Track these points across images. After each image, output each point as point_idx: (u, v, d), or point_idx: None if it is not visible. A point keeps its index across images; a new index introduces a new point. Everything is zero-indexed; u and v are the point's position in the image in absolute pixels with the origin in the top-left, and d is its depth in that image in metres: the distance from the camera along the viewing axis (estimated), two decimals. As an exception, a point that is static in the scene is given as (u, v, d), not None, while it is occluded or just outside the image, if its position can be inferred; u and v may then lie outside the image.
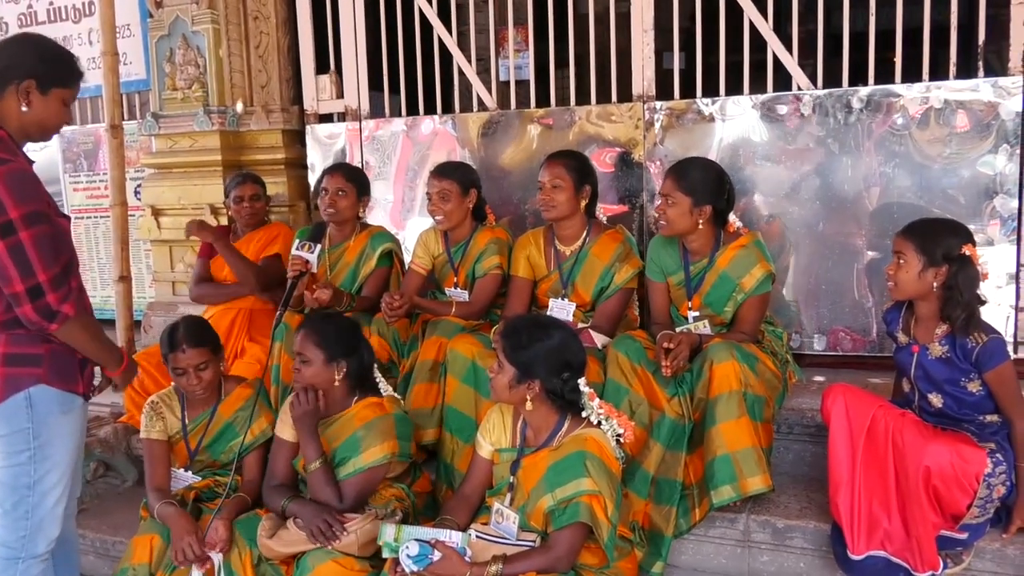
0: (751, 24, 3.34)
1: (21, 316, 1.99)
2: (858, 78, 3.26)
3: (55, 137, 4.86)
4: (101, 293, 4.84)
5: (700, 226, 2.80)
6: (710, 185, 2.80)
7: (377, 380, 2.68)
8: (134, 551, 2.50)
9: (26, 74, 2.04)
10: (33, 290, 1.95)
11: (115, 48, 3.75)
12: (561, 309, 3.04)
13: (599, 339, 2.90)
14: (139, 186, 4.53)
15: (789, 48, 3.31)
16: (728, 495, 2.50)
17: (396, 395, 2.72)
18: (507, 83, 3.94)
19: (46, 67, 2.08)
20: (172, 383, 2.84)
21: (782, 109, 3.31)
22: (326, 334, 2.51)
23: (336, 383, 2.52)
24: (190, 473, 2.77)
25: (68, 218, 2.19)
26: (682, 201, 2.77)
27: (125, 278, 3.83)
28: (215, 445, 2.78)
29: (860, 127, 3.20)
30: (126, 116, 4.59)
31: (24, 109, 2.05)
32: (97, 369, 2.29)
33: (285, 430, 2.63)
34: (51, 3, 4.93)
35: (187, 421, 2.79)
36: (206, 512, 2.62)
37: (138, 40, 4.61)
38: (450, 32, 3.89)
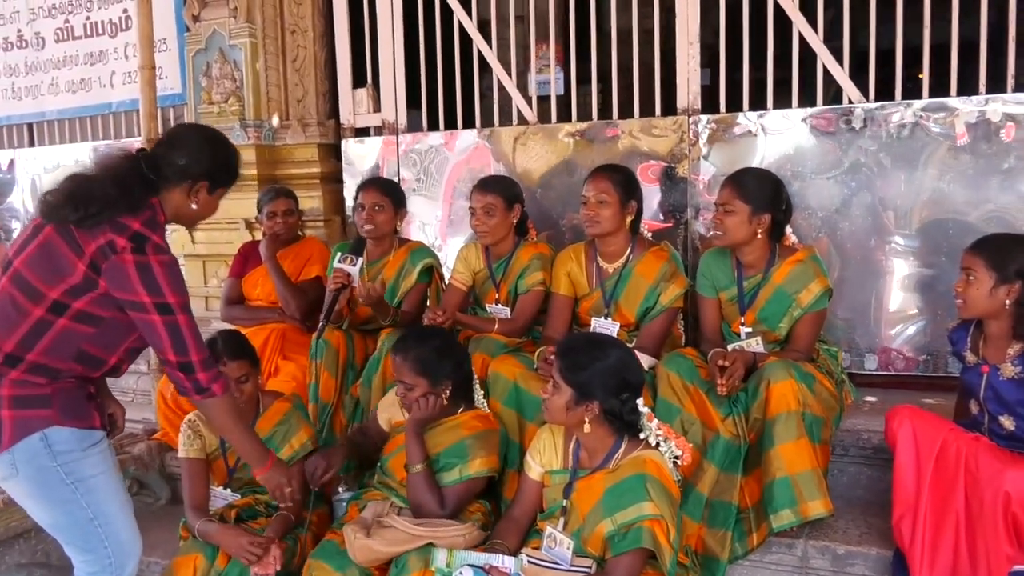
0: (800, 37, 3.28)
1: (172, 379, 2.06)
2: (911, 91, 3.19)
3: (89, 151, 4.95)
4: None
5: (759, 236, 2.72)
6: (769, 193, 2.73)
7: (477, 395, 2.67)
8: (176, 572, 2.44)
9: (202, 176, 2.10)
10: (185, 365, 2.02)
11: (152, 62, 3.72)
12: (604, 329, 2.95)
13: (645, 360, 2.79)
14: (173, 200, 4.52)
15: (840, 61, 3.24)
16: (788, 519, 2.41)
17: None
18: (546, 97, 3.90)
19: (220, 172, 2.15)
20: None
21: (832, 123, 3.23)
22: (426, 361, 2.48)
23: (444, 402, 2.52)
24: (229, 491, 2.72)
25: None
26: (741, 209, 2.70)
27: (160, 293, 3.79)
28: (254, 462, 2.72)
29: (913, 141, 3.12)
30: (162, 130, 4.58)
31: (193, 207, 2.12)
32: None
33: (382, 416, 2.74)
34: (88, 18, 4.96)
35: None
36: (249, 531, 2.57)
37: (174, 54, 4.61)
38: (489, 45, 3.85)
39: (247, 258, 3.77)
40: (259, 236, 3.98)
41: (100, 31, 4.93)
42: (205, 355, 2.07)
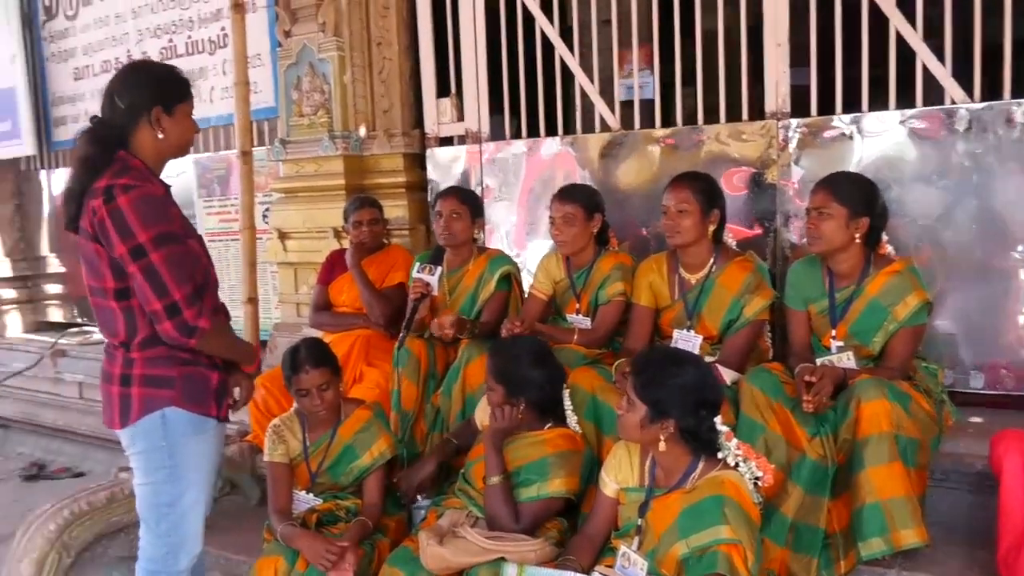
0: (897, 34, 3.10)
1: (161, 333, 2.06)
2: (1022, 90, 2.97)
3: (191, 163, 5.19)
4: (232, 314, 4.98)
5: (856, 240, 2.60)
6: (866, 196, 2.61)
7: (567, 407, 2.63)
8: (259, 573, 2.50)
9: (151, 103, 2.11)
10: (170, 308, 2.03)
11: (246, 77, 3.85)
12: (686, 341, 2.87)
13: (728, 375, 2.70)
14: (267, 210, 4.68)
15: (941, 59, 3.05)
16: (878, 548, 2.27)
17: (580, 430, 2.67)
18: (630, 103, 3.83)
19: (165, 90, 2.15)
20: (293, 406, 2.87)
21: (933, 125, 3.05)
22: (505, 369, 2.51)
23: (519, 414, 2.51)
24: (311, 495, 2.77)
25: (201, 239, 2.25)
26: (838, 213, 2.58)
27: (253, 300, 3.91)
28: (335, 467, 2.78)
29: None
30: (256, 143, 4.75)
31: (160, 136, 2.13)
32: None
33: (480, 414, 2.76)
34: (189, 37, 5.20)
35: (308, 443, 2.80)
36: (328, 536, 2.61)
37: (268, 69, 4.77)
38: (572, 52, 3.82)
39: (334, 265, 3.86)
40: (346, 244, 4.07)
41: (200, 49, 5.16)
42: (187, 290, 2.04)
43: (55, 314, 6.46)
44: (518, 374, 2.50)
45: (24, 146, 6.20)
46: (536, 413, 2.55)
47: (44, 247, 6.47)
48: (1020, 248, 2.95)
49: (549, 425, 2.57)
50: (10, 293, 6.44)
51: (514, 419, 2.49)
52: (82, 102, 5.79)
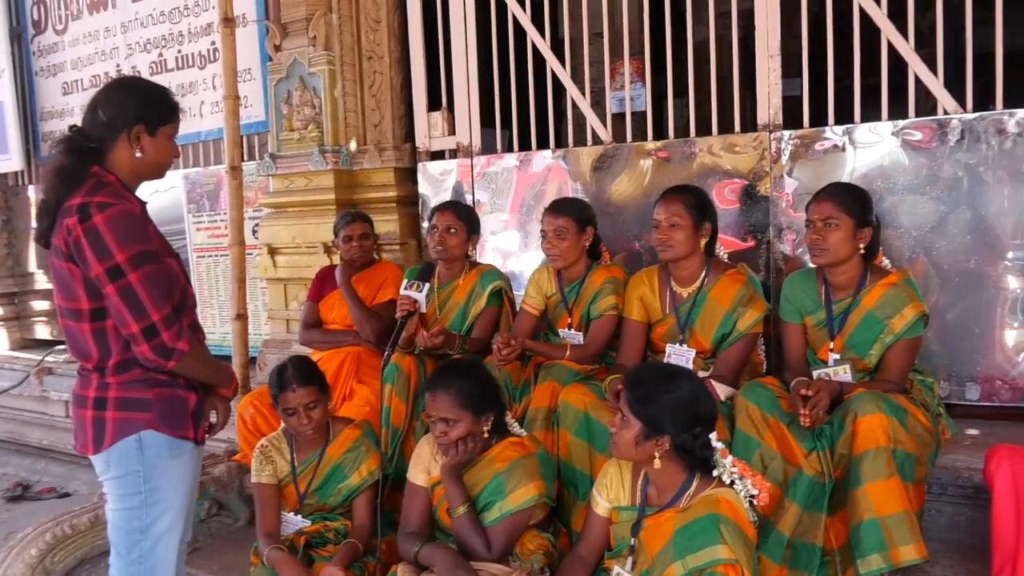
0: (889, 45, 3.09)
1: (139, 356, 2.00)
2: (1014, 99, 2.96)
3: (180, 179, 5.15)
4: (220, 330, 4.96)
5: (860, 250, 2.58)
6: (868, 206, 2.61)
7: (510, 423, 2.58)
8: (244, 598, 2.45)
9: (134, 121, 2.06)
10: (148, 330, 1.97)
11: (236, 92, 3.84)
12: (680, 356, 2.84)
13: (722, 390, 2.67)
14: (256, 225, 4.64)
15: (933, 69, 3.04)
16: (877, 565, 2.22)
17: (532, 434, 2.60)
18: (621, 115, 3.82)
19: (150, 110, 2.10)
20: (281, 426, 2.82)
21: (926, 135, 3.03)
22: (469, 393, 2.40)
23: (485, 434, 2.45)
24: (300, 517, 2.73)
25: (178, 257, 2.19)
26: (845, 224, 2.56)
27: (242, 316, 3.89)
28: (324, 488, 2.73)
29: (1017, 153, 2.89)
30: (246, 157, 4.72)
31: (138, 155, 2.08)
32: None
33: (418, 475, 2.55)
34: (179, 51, 5.17)
35: (296, 464, 2.75)
36: (317, 560, 2.57)
37: (258, 83, 4.74)
38: (563, 65, 3.80)
39: (324, 282, 3.82)
40: (337, 260, 4.03)
41: (190, 63, 5.13)
42: (166, 311, 1.98)
43: (42, 331, 6.39)
44: (482, 397, 2.43)
45: (12, 161, 6.15)
46: (489, 436, 2.49)
47: (32, 263, 6.40)
48: (1014, 258, 2.93)
49: (495, 440, 2.50)
50: (-3, 310, 6.38)
51: (475, 451, 2.42)
52: (71, 117, 5.76)
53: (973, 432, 2.87)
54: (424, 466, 2.54)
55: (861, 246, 2.59)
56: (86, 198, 1.95)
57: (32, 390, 5.44)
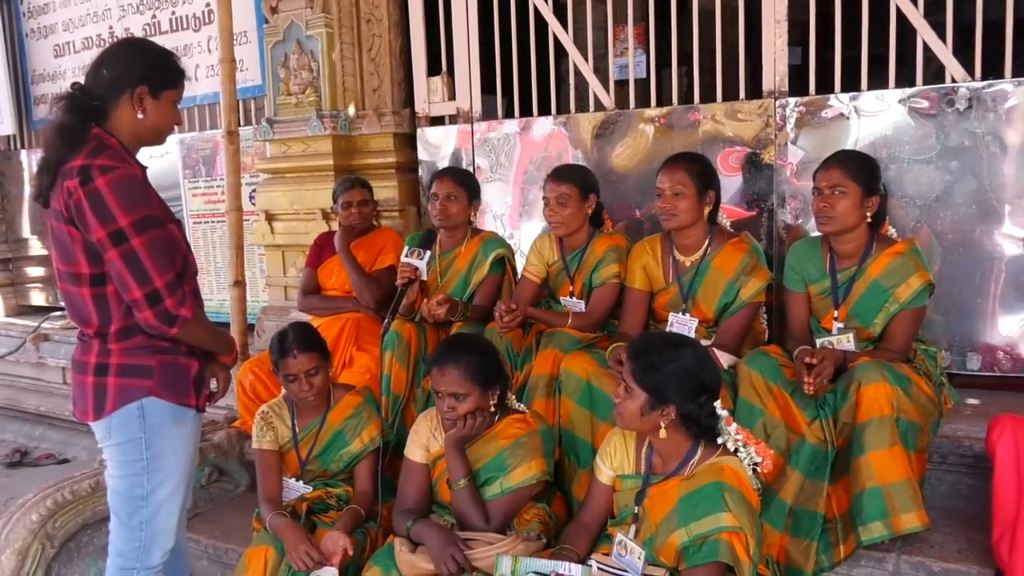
0: (898, 11, 3.04)
1: (142, 322, 1.98)
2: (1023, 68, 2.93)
3: (176, 144, 5.09)
4: (217, 297, 4.93)
5: (867, 220, 2.56)
6: (876, 174, 2.58)
7: (511, 399, 2.56)
8: (248, 564, 2.45)
9: (137, 81, 2.02)
10: (151, 296, 1.95)
11: (232, 55, 3.78)
12: (682, 325, 2.82)
13: (724, 359, 2.66)
14: (254, 191, 4.59)
15: (942, 36, 3.00)
16: (879, 532, 2.24)
17: (535, 410, 2.59)
18: (624, 82, 3.76)
19: (155, 71, 2.06)
20: (282, 392, 2.81)
21: (933, 104, 3.00)
22: (478, 366, 2.38)
23: (492, 408, 2.43)
24: (301, 483, 2.73)
25: (179, 223, 2.16)
26: (853, 191, 2.53)
27: (240, 283, 3.86)
28: (325, 454, 2.73)
29: (1025, 122, 2.87)
30: (242, 122, 4.66)
31: (140, 116, 2.04)
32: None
33: (416, 451, 2.53)
34: (173, 13, 5.07)
35: (297, 430, 2.75)
36: (320, 525, 2.57)
37: (254, 46, 4.66)
38: (565, 30, 3.74)
39: (322, 248, 3.79)
40: (335, 226, 4.00)
41: (185, 25, 5.04)
42: (169, 277, 1.97)
43: (37, 297, 6.35)
44: (490, 370, 2.42)
45: (3, 125, 6.07)
46: (494, 412, 2.47)
47: (26, 229, 6.34)
48: (1018, 228, 2.92)
49: (499, 416, 2.49)
50: (-9, 276, 6.34)
51: (482, 426, 2.41)
52: (63, 80, 5.66)
53: (974, 402, 2.88)
54: (422, 443, 2.53)
55: (868, 214, 2.57)
56: (88, 160, 1.91)
57: (29, 356, 5.42)
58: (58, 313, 5.84)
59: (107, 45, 2.13)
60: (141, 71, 2.03)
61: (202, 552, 3.04)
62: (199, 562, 3.01)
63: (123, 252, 1.91)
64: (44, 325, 5.62)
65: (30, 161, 6.17)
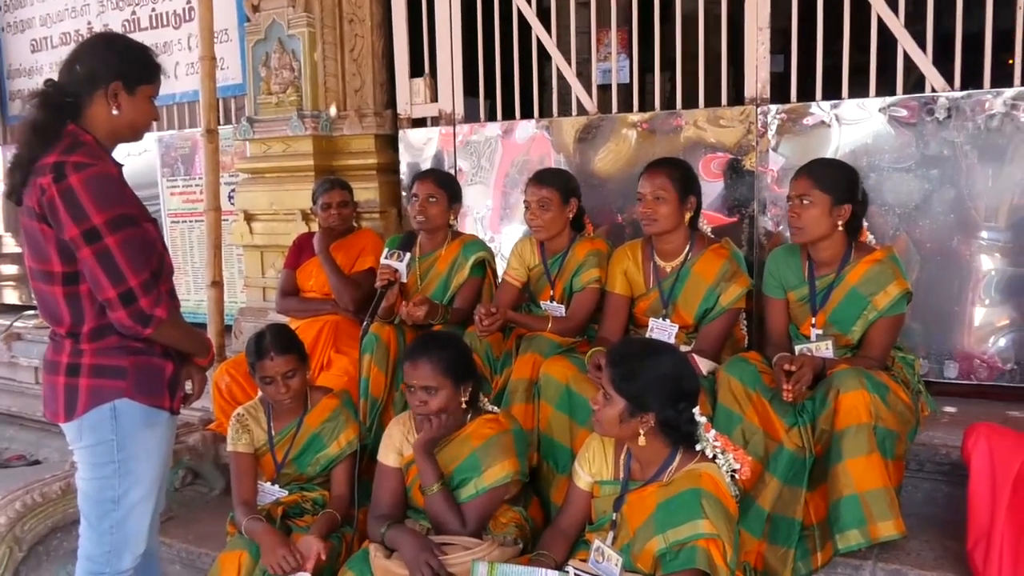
0: (879, 20, 3.06)
1: (115, 322, 1.94)
2: (1001, 79, 2.95)
3: (154, 142, 5.03)
4: (195, 297, 4.88)
5: (839, 228, 2.56)
6: (848, 182, 2.57)
7: (483, 401, 2.55)
8: (222, 568, 2.41)
9: (112, 77, 1.99)
10: (125, 295, 1.91)
11: (212, 53, 3.74)
12: (662, 330, 2.82)
13: (704, 365, 2.66)
14: (233, 191, 4.54)
15: (922, 46, 3.02)
16: (856, 540, 2.24)
17: (507, 410, 2.57)
18: (607, 87, 3.76)
19: (130, 66, 2.02)
20: (258, 395, 2.78)
21: (913, 113, 3.02)
22: (450, 360, 2.37)
23: (463, 406, 2.41)
24: (277, 487, 2.69)
25: (155, 222, 2.13)
26: (821, 200, 2.53)
27: (217, 283, 3.82)
28: (301, 457, 2.69)
29: (1003, 133, 2.89)
30: (222, 121, 4.60)
31: (115, 112, 2.00)
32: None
33: (389, 456, 2.50)
34: (153, 9, 5.02)
35: (273, 433, 2.71)
36: (295, 530, 2.54)
37: (235, 45, 4.62)
38: (549, 33, 3.74)
39: (301, 249, 3.76)
40: (315, 227, 3.96)
41: (165, 22, 4.98)
42: (144, 276, 1.93)
43: (10, 296, 6.25)
44: (463, 365, 2.41)
45: (-22, 121, 5.98)
46: (465, 411, 2.46)
47: None
48: (994, 238, 2.94)
49: (469, 416, 2.48)
50: (-37, 274, 6.23)
51: (450, 426, 2.40)
52: (40, 75, 5.59)
53: (951, 410, 2.90)
54: (395, 447, 2.50)
55: (840, 223, 2.56)
56: (61, 157, 1.88)
57: (0, 356, 5.33)
58: (31, 312, 5.74)
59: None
60: (116, 66, 1.99)
61: (175, 556, 2.99)
62: (172, 566, 2.97)
63: (97, 251, 1.88)
64: (16, 324, 5.52)
65: (5, 157, 6.08)
